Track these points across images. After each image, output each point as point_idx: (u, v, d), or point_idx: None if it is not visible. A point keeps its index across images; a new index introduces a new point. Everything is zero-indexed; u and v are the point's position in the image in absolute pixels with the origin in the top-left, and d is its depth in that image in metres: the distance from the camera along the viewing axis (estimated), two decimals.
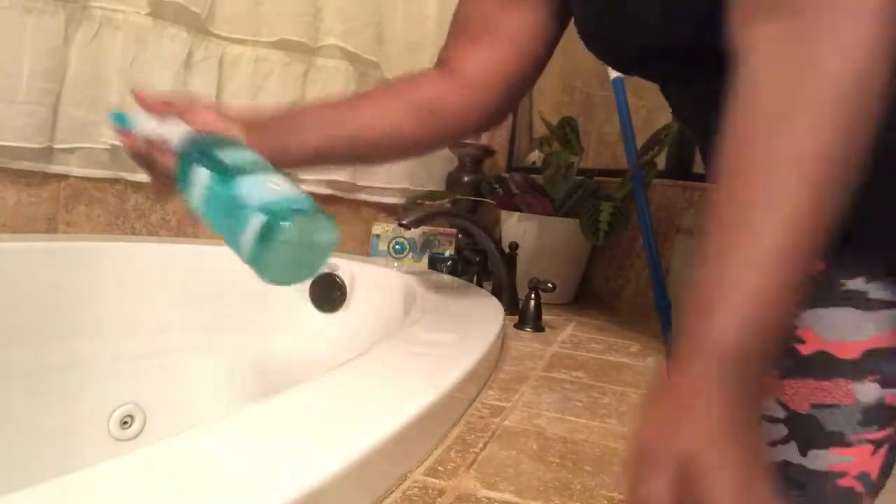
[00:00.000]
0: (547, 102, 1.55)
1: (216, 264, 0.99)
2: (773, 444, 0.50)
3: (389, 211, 1.40)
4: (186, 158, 0.58)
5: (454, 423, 0.52)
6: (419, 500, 0.38)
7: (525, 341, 0.86)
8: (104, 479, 0.29)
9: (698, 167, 1.22)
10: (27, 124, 1.09)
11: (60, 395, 0.93)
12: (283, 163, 0.62)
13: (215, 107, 0.67)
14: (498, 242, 1.07)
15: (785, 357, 0.50)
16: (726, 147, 0.36)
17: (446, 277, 1.07)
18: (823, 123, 0.34)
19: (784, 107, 0.34)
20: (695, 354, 0.32)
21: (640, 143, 1.15)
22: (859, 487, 0.47)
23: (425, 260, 1.22)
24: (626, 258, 1.23)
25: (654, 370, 0.34)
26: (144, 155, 0.63)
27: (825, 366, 0.48)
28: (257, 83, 1.26)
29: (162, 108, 0.65)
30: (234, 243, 0.51)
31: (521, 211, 1.18)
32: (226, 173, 0.54)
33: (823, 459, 0.48)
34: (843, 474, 0.47)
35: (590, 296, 1.28)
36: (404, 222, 0.94)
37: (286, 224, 0.49)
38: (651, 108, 1.31)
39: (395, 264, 1.18)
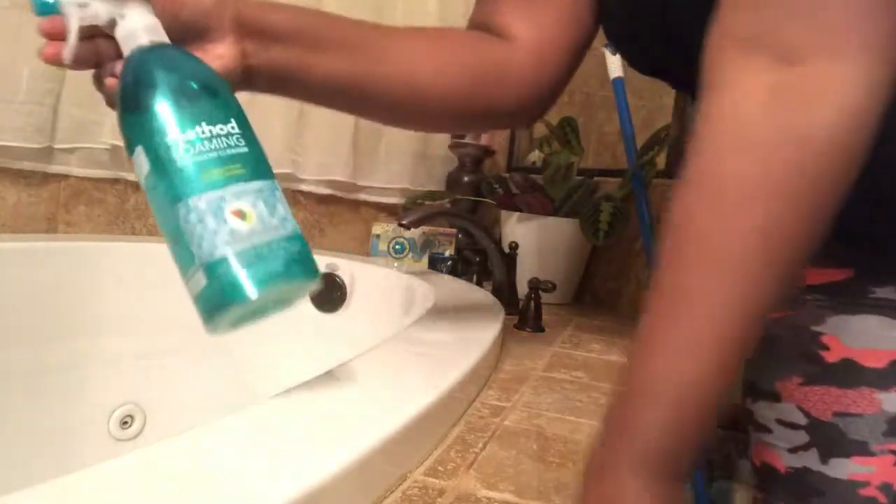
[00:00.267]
0: None
1: None
2: (794, 450, 0.50)
3: (389, 211, 1.40)
4: (125, 107, 0.38)
5: (454, 423, 0.52)
6: (419, 500, 0.38)
7: (525, 341, 0.86)
8: (104, 479, 0.29)
9: None
10: (27, 124, 1.09)
11: (60, 395, 0.93)
12: (291, 89, 0.50)
13: None
14: (498, 242, 1.07)
15: (808, 363, 0.49)
16: (676, 202, 0.34)
17: (446, 277, 1.07)
18: (792, 200, 0.31)
19: (748, 169, 0.31)
20: (616, 464, 0.32)
21: (640, 143, 1.15)
22: (882, 498, 0.46)
23: (425, 260, 1.22)
24: (626, 258, 1.23)
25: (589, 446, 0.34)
26: (81, 59, 0.40)
27: (850, 374, 0.47)
28: None
29: None
30: (181, 273, 0.37)
31: (521, 211, 1.18)
32: (170, 178, 0.36)
33: (844, 468, 0.47)
34: (864, 484, 0.47)
35: (590, 296, 1.28)
36: (404, 222, 0.94)
37: (235, 306, 0.35)
38: (651, 108, 1.31)
39: (395, 264, 1.18)
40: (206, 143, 0.37)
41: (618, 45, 0.57)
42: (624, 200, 1.15)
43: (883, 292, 0.46)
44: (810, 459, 0.49)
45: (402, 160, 1.36)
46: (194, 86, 0.38)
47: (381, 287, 1.04)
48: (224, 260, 0.35)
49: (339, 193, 1.35)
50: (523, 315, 0.93)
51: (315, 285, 0.39)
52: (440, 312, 0.76)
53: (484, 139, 1.39)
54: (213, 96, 0.39)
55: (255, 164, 0.38)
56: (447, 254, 1.22)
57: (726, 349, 0.31)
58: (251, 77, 0.47)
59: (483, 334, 0.66)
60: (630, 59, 0.56)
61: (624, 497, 0.31)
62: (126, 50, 0.39)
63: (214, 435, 0.35)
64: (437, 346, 0.61)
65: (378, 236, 1.23)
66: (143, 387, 1.01)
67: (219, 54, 0.44)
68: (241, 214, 0.36)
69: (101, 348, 0.96)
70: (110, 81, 0.41)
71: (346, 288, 1.06)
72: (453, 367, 0.53)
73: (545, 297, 0.95)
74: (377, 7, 1.30)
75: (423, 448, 0.45)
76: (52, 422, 0.91)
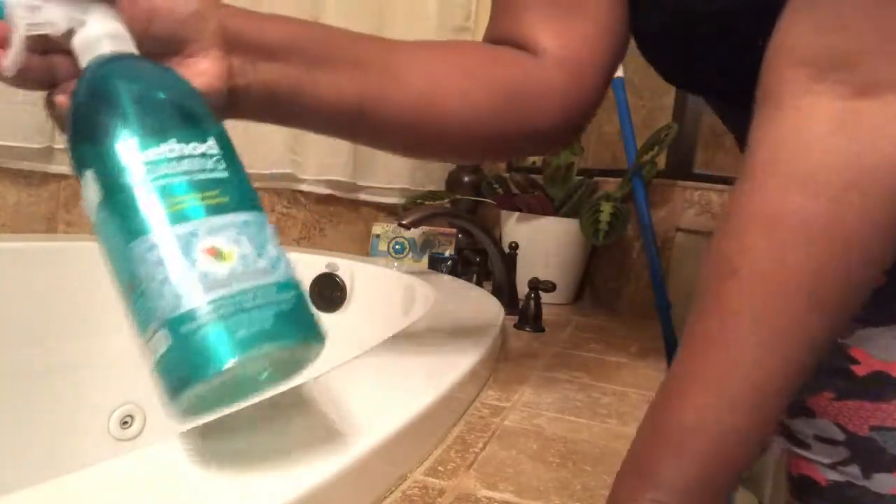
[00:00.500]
0: None
1: None
2: (834, 465, 0.49)
3: (389, 211, 1.40)
4: (75, 126, 0.31)
5: (454, 423, 0.52)
6: (419, 500, 0.38)
7: (525, 341, 0.86)
8: (104, 479, 0.29)
9: (698, 167, 1.22)
10: (27, 124, 1.09)
11: (60, 395, 0.93)
12: (286, 113, 0.43)
13: None
14: (498, 242, 1.07)
15: (839, 378, 0.48)
16: (727, 234, 0.31)
17: (446, 277, 1.07)
18: (855, 245, 0.28)
19: (814, 210, 0.29)
20: None
21: (640, 143, 1.15)
22: None
23: (425, 260, 1.21)
24: (626, 258, 1.23)
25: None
26: (29, 75, 0.34)
27: (882, 387, 0.46)
28: None
29: None
30: (138, 335, 0.29)
31: (521, 211, 1.18)
32: (125, 207, 0.29)
33: (888, 483, 0.46)
34: None
35: (590, 296, 1.28)
36: (404, 222, 0.94)
37: (209, 377, 0.27)
38: (651, 108, 1.31)
39: (395, 264, 1.18)
40: (174, 164, 0.29)
41: (655, 59, 0.53)
42: (624, 200, 1.15)
43: None
44: (853, 474, 0.48)
45: (402, 160, 1.36)
46: (163, 96, 0.31)
47: (381, 287, 1.04)
48: (193, 314, 0.27)
49: (339, 193, 1.35)
50: (523, 315, 0.93)
51: (318, 350, 0.31)
52: (440, 312, 0.76)
53: None
54: (188, 109, 0.32)
55: (239, 192, 0.31)
56: (447, 254, 1.22)
57: (770, 402, 0.30)
58: (238, 99, 0.39)
59: (483, 334, 0.66)
60: (666, 73, 0.53)
61: None
62: (84, 62, 0.32)
63: (214, 435, 0.35)
64: (437, 346, 0.61)
65: (378, 236, 1.23)
66: (143, 387, 1.00)
67: (200, 71, 0.37)
68: (217, 254, 0.28)
69: (101, 348, 0.96)
70: (61, 99, 0.33)
71: (346, 288, 1.06)
72: (453, 367, 0.53)
73: (545, 297, 0.95)
74: (377, 7, 1.30)
75: (423, 448, 0.45)
76: (52, 422, 0.91)
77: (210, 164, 0.31)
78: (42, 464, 0.87)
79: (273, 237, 0.31)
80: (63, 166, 1.16)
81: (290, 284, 0.30)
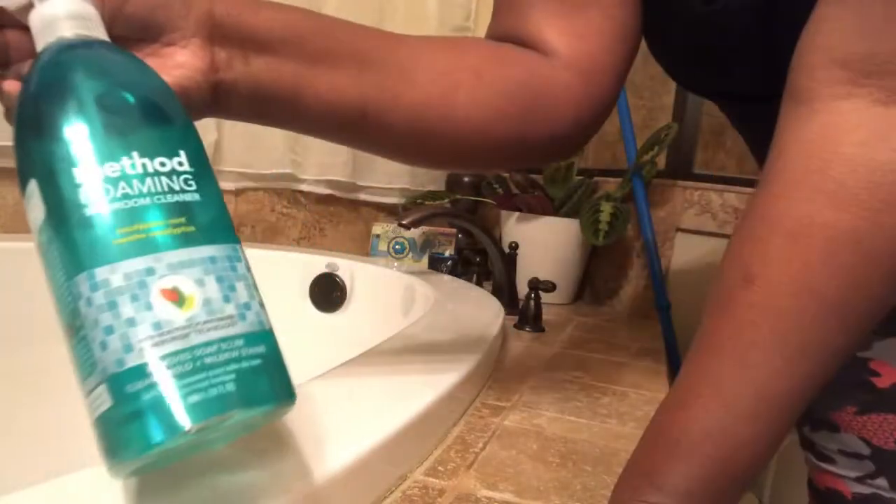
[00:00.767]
0: None
1: None
2: (861, 479, 0.49)
3: (389, 211, 1.40)
4: (22, 122, 0.26)
5: (454, 423, 0.52)
6: (419, 500, 0.38)
7: (525, 341, 0.86)
8: (104, 479, 0.29)
9: (698, 167, 1.22)
10: None
11: (61, 394, 0.93)
12: (277, 114, 0.38)
13: None
14: (498, 242, 1.07)
15: (861, 391, 0.48)
16: (747, 239, 0.30)
17: (446, 277, 1.07)
18: (883, 263, 0.27)
19: (844, 225, 0.27)
20: None
21: (640, 143, 1.15)
22: None
23: (425, 260, 1.22)
24: (626, 258, 1.23)
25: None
26: None
27: None
28: None
29: None
30: (78, 381, 0.25)
31: (521, 211, 1.18)
32: (71, 233, 0.24)
33: None
34: None
35: (590, 296, 1.28)
36: (404, 222, 0.94)
37: (155, 448, 0.23)
38: (651, 108, 1.31)
39: (395, 264, 1.18)
40: (135, 182, 0.25)
41: (661, 58, 0.52)
42: (624, 200, 1.15)
43: None
44: (881, 486, 0.48)
45: None
46: (129, 98, 0.26)
47: (381, 287, 1.04)
48: (140, 371, 0.23)
49: (339, 193, 1.35)
50: (523, 315, 0.93)
51: (288, 409, 0.27)
52: (440, 312, 0.76)
53: None
54: (157, 116, 0.27)
55: (210, 220, 0.26)
56: (447, 254, 1.22)
57: (782, 415, 0.29)
58: (222, 96, 0.35)
59: (483, 334, 0.66)
60: (674, 73, 0.52)
61: None
62: (41, 45, 0.28)
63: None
64: (437, 346, 0.61)
65: (378, 236, 1.23)
66: None
67: (178, 63, 0.32)
68: (176, 297, 0.24)
69: None
70: (9, 85, 0.29)
71: (346, 288, 1.06)
72: (453, 366, 0.53)
73: (545, 297, 0.95)
74: (377, 7, 1.30)
75: (423, 448, 0.45)
76: (53, 422, 0.91)
77: (178, 183, 0.26)
78: (42, 464, 0.87)
79: (245, 275, 0.27)
80: None
81: (261, 335, 0.26)
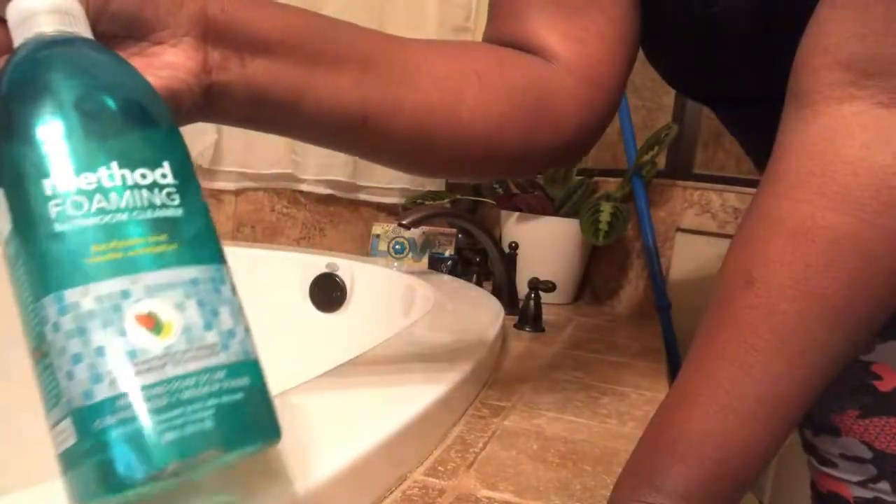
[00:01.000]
0: None
1: None
2: (864, 483, 0.49)
3: (389, 211, 1.40)
4: None
5: (454, 423, 0.52)
6: (419, 500, 0.38)
7: (525, 341, 0.86)
8: None
9: (698, 167, 1.22)
10: None
11: None
12: (274, 120, 0.37)
13: None
14: (498, 242, 1.07)
15: (862, 395, 0.48)
16: (749, 242, 0.30)
17: (446, 277, 1.07)
18: (883, 267, 0.27)
19: (845, 229, 0.27)
20: None
21: (640, 143, 1.15)
22: None
23: (425, 260, 1.22)
24: (626, 258, 1.23)
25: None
26: None
27: None
28: None
29: None
30: (44, 408, 0.23)
31: (521, 211, 1.18)
32: (40, 250, 0.22)
33: None
34: None
35: (590, 296, 1.28)
36: (404, 222, 0.94)
37: (124, 490, 0.21)
38: (651, 108, 1.31)
39: (395, 264, 1.18)
40: (112, 196, 0.23)
41: (657, 63, 0.51)
42: (624, 200, 1.15)
43: None
44: (883, 490, 0.48)
45: None
46: (110, 102, 0.24)
47: (381, 287, 1.04)
48: (110, 405, 0.21)
49: (339, 193, 1.35)
50: (523, 315, 0.93)
51: (273, 445, 0.25)
52: (440, 312, 0.76)
53: None
54: (140, 123, 0.24)
55: (194, 238, 0.24)
56: (447, 254, 1.22)
57: (782, 418, 0.29)
58: (215, 100, 0.33)
59: (483, 334, 0.66)
60: (670, 77, 0.51)
61: None
62: (19, 40, 0.25)
63: None
64: (437, 346, 0.61)
65: (378, 236, 1.23)
66: None
67: (167, 63, 0.30)
68: (153, 323, 0.22)
69: None
70: None
71: (346, 288, 1.06)
72: (453, 367, 0.53)
73: (545, 297, 0.95)
74: (377, 7, 1.30)
75: (423, 448, 0.45)
76: None
77: (160, 198, 0.24)
78: (42, 464, 0.87)
79: (230, 299, 0.25)
80: None
81: (245, 366, 0.24)
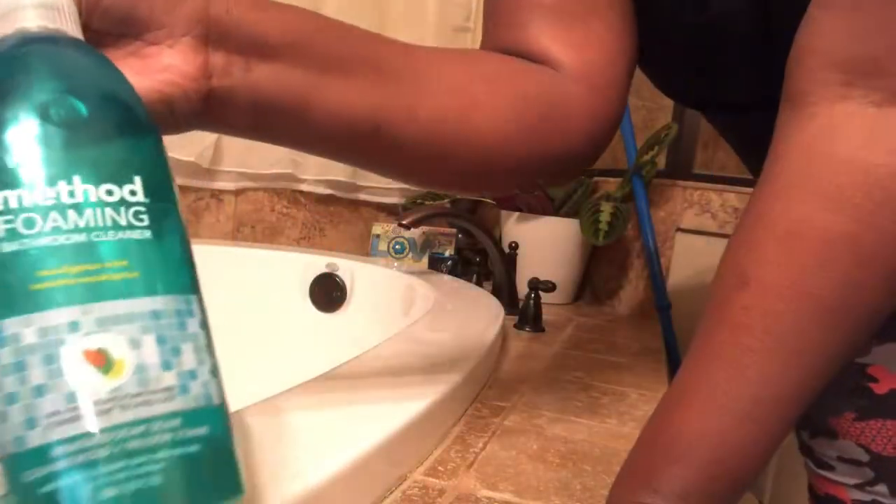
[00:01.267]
0: None
1: (215, 264, 0.99)
2: (861, 486, 0.49)
3: (389, 211, 1.40)
4: None
5: (454, 423, 0.52)
6: (419, 500, 0.38)
7: (525, 341, 0.86)
8: None
9: (698, 167, 1.22)
10: None
11: None
12: (278, 128, 0.36)
13: None
14: (498, 242, 1.07)
15: (859, 397, 0.48)
16: (744, 243, 0.30)
17: (446, 277, 1.07)
18: (879, 268, 0.27)
19: (840, 230, 0.27)
20: None
21: (640, 143, 1.15)
22: None
23: (425, 260, 1.22)
24: (626, 258, 1.23)
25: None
26: None
27: None
28: None
29: None
30: None
31: (521, 211, 1.18)
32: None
33: None
34: None
35: (590, 296, 1.28)
36: (404, 222, 0.94)
37: None
38: (651, 108, 1.31)
39: (395, 264, 1.18)
40: (70, 213, 0.20)
41: (652, 72, 0.51)
42: (624, 200, 1.15)
43: None
44: (880, 492, 0.48)
45: None
46: (81, 109, 0.22)
47: (381, 287, 1.04)
48: (42, 455, 0.18)
49: (339, 193, 1.35)
50: (523, 315, 0.93)
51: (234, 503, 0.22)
52: (440, 312, 0.76)
53: None
54: (114, 133, 0.22)
55: (161, 265, 0.22)
56: (447, 254, 1.22)
57: (778, 419, 0.29)
58: (215, 107, 0.31)
59: (483, 334, 0.66)
60: (663, 86, 0.51)
61: None
62: None
63: None
64: (437, 346, 0.61)
65: (378, 236, 1.23)
66: None
67: (163, 65, 0.28)
68: (102, 360, 0.19)
69: None
70: None
71: (346, 288, 1.06)
72: (453, 367, 0.53)
73: (545, 297, 0.95)
74: (377, 7, 1.30)
75: (423, 448, 0.45)
76: None
77: (126, 217, 0.21)
78: None
79: (196, 334, 0.22)
80: None
81: (205, 413, 0.21)
